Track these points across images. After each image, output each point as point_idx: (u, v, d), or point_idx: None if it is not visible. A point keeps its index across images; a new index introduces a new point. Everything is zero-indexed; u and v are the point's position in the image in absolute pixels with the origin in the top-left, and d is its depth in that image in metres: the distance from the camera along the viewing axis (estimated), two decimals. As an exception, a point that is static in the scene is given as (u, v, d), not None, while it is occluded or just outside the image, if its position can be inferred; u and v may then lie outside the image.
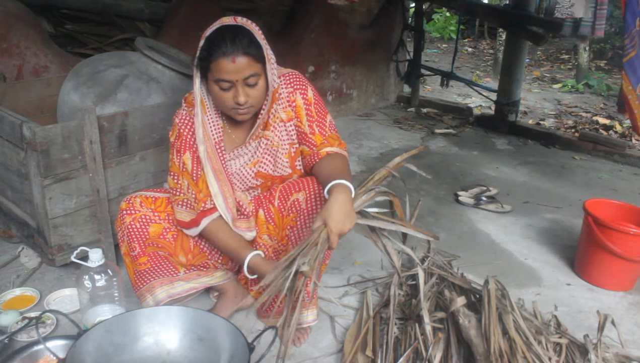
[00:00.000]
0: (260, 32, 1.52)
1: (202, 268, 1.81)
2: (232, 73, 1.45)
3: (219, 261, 1.83)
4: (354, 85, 4.57)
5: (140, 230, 1.70)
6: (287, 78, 1.66)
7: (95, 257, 1.61)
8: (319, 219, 1.42)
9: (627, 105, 2.90)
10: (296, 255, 1.37)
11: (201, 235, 1.71)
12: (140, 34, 3.83)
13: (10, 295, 1.94)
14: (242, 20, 1.50)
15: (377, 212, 1.59)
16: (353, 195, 1.47)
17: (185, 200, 1.65)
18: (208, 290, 1.95)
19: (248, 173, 1.70)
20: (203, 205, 1.64)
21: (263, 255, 1.65)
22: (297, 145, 1.70)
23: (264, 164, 1.70)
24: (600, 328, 1.70)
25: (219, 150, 1.65)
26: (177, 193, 1.66)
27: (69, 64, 3.03)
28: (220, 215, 1.65)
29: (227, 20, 1.50)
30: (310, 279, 1.47)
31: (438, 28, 9.29)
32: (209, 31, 1.48)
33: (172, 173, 1.67)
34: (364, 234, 1.61)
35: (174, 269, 1.75)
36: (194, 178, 1.63)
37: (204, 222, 1.64)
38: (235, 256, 1.67)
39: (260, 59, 1.48)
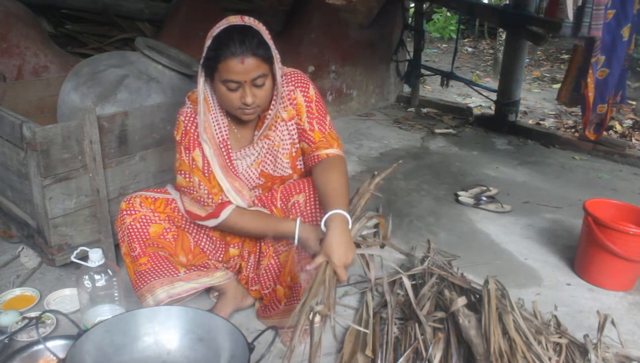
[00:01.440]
0: (268, 32, 1.51)
1: (202, 268, 1.81)
2: (241, 74, 1.44)
3: (220, 261, 1.83)
4: (354, 85, 4.57)
5: (140, 230, 1.70)
6: (289, 77, 1.66)
7: (95, 257, 1.61)
8: (321, 255, 1.44)
9: (587, 101, 2.98)
10: (308, 298, 1.38)
11: (218, 227, 1.69)
12: (140, 34, 3.83)
13: (10, 295, 1.94)
14: (249, 20, 1.50)
15: (362, 235, 1.64)
16: (350, 223, 1.50)
17: (198, 198, 1.65)
18: (208, 290, 1.94)
19: (253, 173, 1.71)
20: (220, 198, 1.63)
21: (302, 220, 1.64)
22: (298, 145, 1.70)
23: (266, 163, 1.70)
24: (600, 328, 1.70)
25: (224, 149, 1.65)
26: (191, 192, 1.65)
27: (69, 64, 3.03)
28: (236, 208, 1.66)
29: (235, 19, 1.49)
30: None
31: (438, 28, 9.29)
32: (216, 30, 1.47)
33: (182, 171, 1.65)
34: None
35: (174, 269, 1.75)
36: (206, 174, 1.63)
37: (224, 214, 1.64)
38: (272, 231, 1.66)
39: (268, 59, 1.48)
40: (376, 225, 1.70)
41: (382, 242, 1.75)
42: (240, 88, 1.48)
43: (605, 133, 4.36)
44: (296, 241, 1.60)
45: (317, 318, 1.72)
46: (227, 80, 1.46)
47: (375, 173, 1.73)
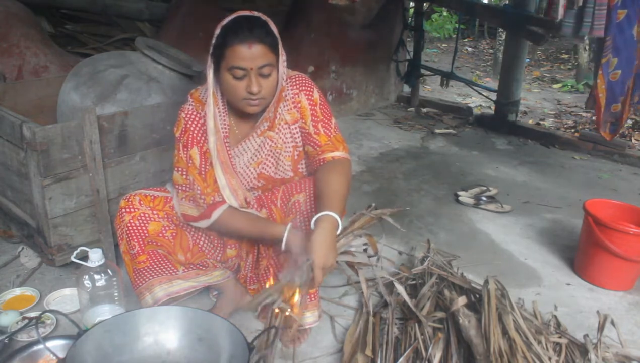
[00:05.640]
0: (275, 27, 1.52)
1: (201, 267, 1.80)
2: (248, 60, 1.45)
3: (218, 260, 1.83)
4: (354, 85, 4.57)
5: (139, 228, 1.70)
6: (294, 80, 1.66)
7: (95, 257, 1.61)
8: (304, 254, 1.44)
9: (597, 102, 2.95)
10: (272, 290, 1.43)
11: (211, 228, 1.69)
12: (140, 34, 3.83)
13: (10, 295, 1.94)
14: (258, 13, 1.52)
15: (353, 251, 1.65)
16: (340, 225, 1.49)
17: (192, 196, 1.65)
18: (207, 289, 1.95)
19: (251, 173, 1.70)
20: (212, 198, 1.63)
21: (294, 225, 1.62)
22: (301, 148, 1.70)
23: (267, 165, 1.70)
24: (600, 328, 1.70)
25: (227, 144, 1.65)
26: (186, 189, 1.66)
27: (69, 64, 3.03)
28: (230, 205, 1.65)
29: (244, 12, 1.51)
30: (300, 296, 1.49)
31: (436, 27, 9.29)
32: (225, 20, 1.49)
33: (179, 168, 1.66)
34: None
35: (172, 268, 1.75)
36: (202, 173, 1.63)
37: (215, 214, 1.64)
38: (261, 233, 1.65)
39: (275, 50, 1.49)
40: (366, 243, 1.71)
41: (374, 255, 1.78)
42: (247, 77, 1.48)
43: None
44: (283, 245, 1.57)
45: (312, 319, 1.73)
46: (233, 66, 1.46)
47: (373, 205, 1.72)
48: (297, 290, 1.43)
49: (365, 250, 1.76)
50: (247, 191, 1.73)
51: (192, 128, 1.63)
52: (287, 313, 1.42)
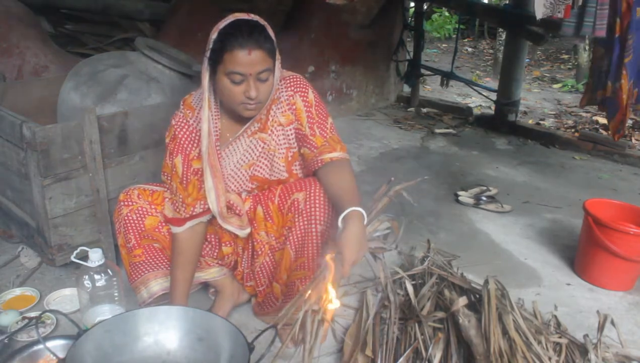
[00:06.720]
0: (272, 30, 1.52)
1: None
2: (247, 66, 1.44)
3: (215, 257, 1.83)
4: (354, 85, 4.57)
5: (136, 222, 1.71)
6: (288, 81, 1.65)
7: (95, 257, 1.61)
8: (334, 248, 1.43)
9: (620, 104, 2.87)
10: (308, 294, 1.41)
11: (174, 236, 1.70)
12: (140, 34, 3.84)
13: (10, 295, 1.94)
14: (255, 17, 1.51)
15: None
16: (365, 220, 1.49)
17: (175, 201, 1.67)
18: (206, 287, 1.95)
19: (243, 174, 1.70)
20: (192, 209, 1.65)
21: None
22: (294, 150, 1.69)
23: (260, 167, 1.69)
24: (600, 328, 1.70)
25: (217, 147, 1.65)
26: (169, 191, 1.70)
27: (69, 64, 3.02)
28: (200, 223, 1.68)
29: (241, 15, 1.50)
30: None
31: (436, 27, 9.29)
32: (222, 24, 1.48)
33: (164, 173, 1.69)
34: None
35: (168, 263, 1.76)
36: (183, 182, 1.64)
37: (187, 225, 1.66)
38: (171, 288, 1.70)
39: (272, 55, 1.49)
40: (389, 227, 1.72)
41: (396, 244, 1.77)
42: (245, 82, 1.47)
43: (605, 133, 4.37)
44: None
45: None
46: (232, 71, 1.45)
47: (392, 179, 1.74)
48: (330, 294, 1.43)
49: (386, 236, 1.77)
50: (232, 194, 1.71)
51: (179, 135, 1.63)
52: (321, 316, 1.42)
